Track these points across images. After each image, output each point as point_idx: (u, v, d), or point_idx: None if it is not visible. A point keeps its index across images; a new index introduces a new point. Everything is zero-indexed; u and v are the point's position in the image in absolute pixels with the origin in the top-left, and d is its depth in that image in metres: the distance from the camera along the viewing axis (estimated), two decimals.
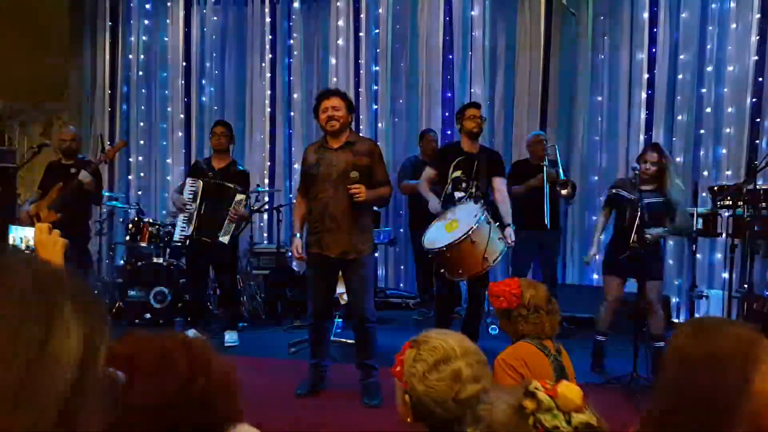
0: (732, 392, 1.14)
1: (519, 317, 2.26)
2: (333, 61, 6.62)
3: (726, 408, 1.13)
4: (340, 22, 6.59)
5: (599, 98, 6.02)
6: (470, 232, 3.72)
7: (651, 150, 4.24)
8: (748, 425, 1.13)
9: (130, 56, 7.13)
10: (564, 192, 4.98)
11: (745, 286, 4.59)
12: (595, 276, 5.92)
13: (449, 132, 6.29)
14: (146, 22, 7.10)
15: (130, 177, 7.14)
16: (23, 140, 8.27)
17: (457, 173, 4.28)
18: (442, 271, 3.96)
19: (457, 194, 4.24)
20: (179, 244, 4.90)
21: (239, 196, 4.67)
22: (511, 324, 2.29)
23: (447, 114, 6.37)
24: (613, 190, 4.37)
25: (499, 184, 4.36)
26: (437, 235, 3.94)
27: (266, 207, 6.26)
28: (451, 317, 4.39)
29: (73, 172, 4.94)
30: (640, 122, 5.92)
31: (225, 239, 4.66)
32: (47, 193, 4.96)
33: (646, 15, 5.86)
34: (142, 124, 7.13)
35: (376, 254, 5.97)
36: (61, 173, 5.01)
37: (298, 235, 3.81)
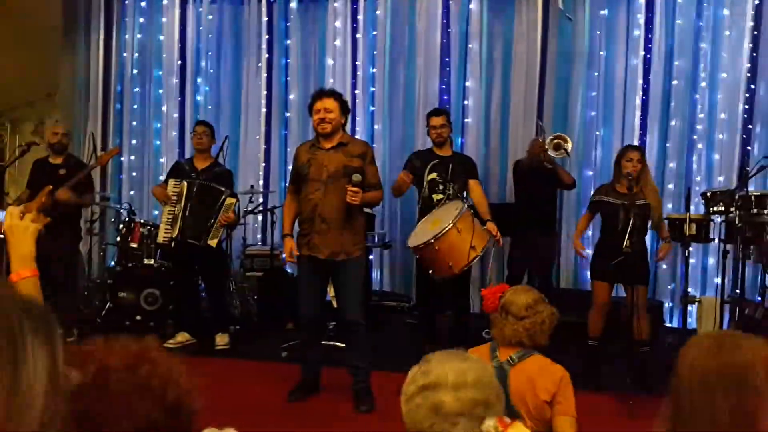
0: (760, 407, 1.13)
1: (496, 320, 2.30)
2: (330, 62, 6.60)
3: (753, 423, 1.12)
4: (338, 23, 6.57)
5: (594, 99, 6.02)
6: (456, 220, 3.79)
7: (634, 150, 4.32)
8: None
9: (125, 54, 7.08)
10: (556, 153, 4.82)
11: (737, 291, 4.61)
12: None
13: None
14: (141, 20, 7.05)
15: (122, 176, 7.09)
16: (14, 139, 8.21)
17: (433, 175, 4.39)
18: (431, 272, 3.96)
19: (435, 196, 4.34)
20: (166, 244, 4.85)
21: (230, 200, 4.62)
22: (494, 326, 2.33)
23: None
24: (596, 197, 4.41)
25: (476, 185, 4.50)
26: (422, 233, 4.00)
27: (260, 208, 6.22)
28: (435, 329, 4.43)
29: (62, 173, 4.87)
30: (634, 127, 5.93)
31: (213, 243, 4.61)
32: (35, 192, 4.88)
33: (642, 21, 5.88)
34: (135, 123, 7.08)
35: (371, 257, 5.99)
36: (49, 173, 4.93)
37: (289, 235, 3.78)
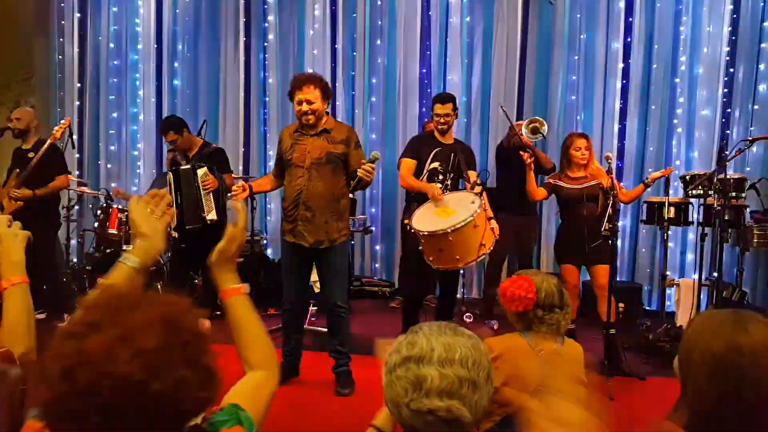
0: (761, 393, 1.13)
1: (535, 318, 2.17)
2: (309, 45, 6.53)
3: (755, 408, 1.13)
4: (317, 6, 6.49)
5: (575, 84, 6.02)
6: (476, 215, 3.65)
7: (581, 137, 4.37)
8: None
9: (100, 38, 6.95)
10: (533, 137, 4.81)
11: (715, 274, 4.66)
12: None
13: (427, 120, 6.26)
14: (115, 5, 6.92)
15: (99, 162, 6.99)
16: None
17: (435, 164, 4.22)
18: (430, 259, 3.85)
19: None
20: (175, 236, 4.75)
21: (201, 170, 4.54)
22: (524, 323, 2.21)
23: (424, 101, 6.34)
24: (552, 180, 4.45)
25: (473, 175, 4.30)
26: (432, 220, 3.82)
27: None
28: (418, 315, 4.37)
29: (30, 156, 4.77)
30: (614, 111, 5.96)
31: (212, 215, 4.53)
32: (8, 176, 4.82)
33: (622, 4, 5.88)
34: (111, 107, 6.97)
35: (352, 242, 5.98)
36: (20, 158, 4.84)
37: (250, 185, 3.76)
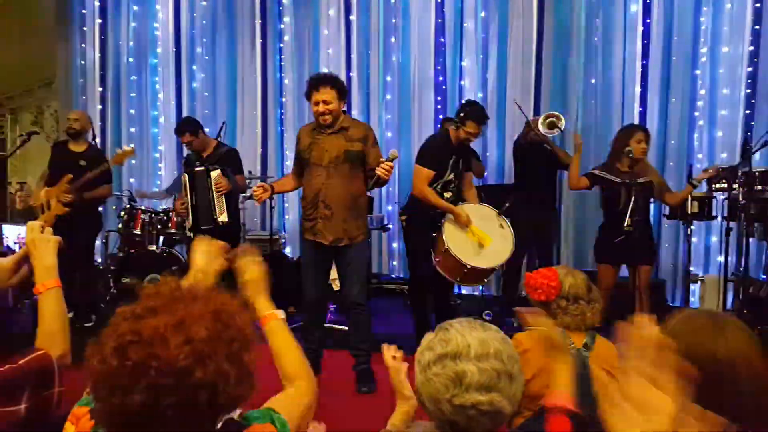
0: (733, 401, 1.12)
1: (558, 309, 2.15)
2: (324, 45, 6.55)
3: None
4: (332, 7, 6.51)
5: (592, 80, 5.96)
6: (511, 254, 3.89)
7: (642, 129, 4.23)
8: None
9: (120, 42, 7.05)
10: (550, 132, 4.77)
11: (741, 269, 4.58)
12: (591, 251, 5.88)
13: (441, 116, 6.24)
14: (135, 8, 7.01)
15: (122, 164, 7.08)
16: (14, 128, 8.20)
17: (450, 177, 4.14)
18: (458, 279, 3.96)
19: (446, 194, 4.13)
20: (188, 235, 4.85)
21: (214, 173, 4.59)
22: (548, 315, 2.15)
23: (439, 98, 6.32)
24: (595, 170, 4.32)
25: (471, 179, 4.36)
26: (469, 248, 3.93)
27: None
28: (426, 300, 4.35)
29: (82, 164, 4.88)
30: (634, 104, 5.87)
31: (224, 217, 4.58)
32: (54, 176, 4.92)
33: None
34: (132, 111, 7.07)
35: (369, 240, 5.97)
36: (69, 160, 4.94)
37: (272, 185, 3.82)
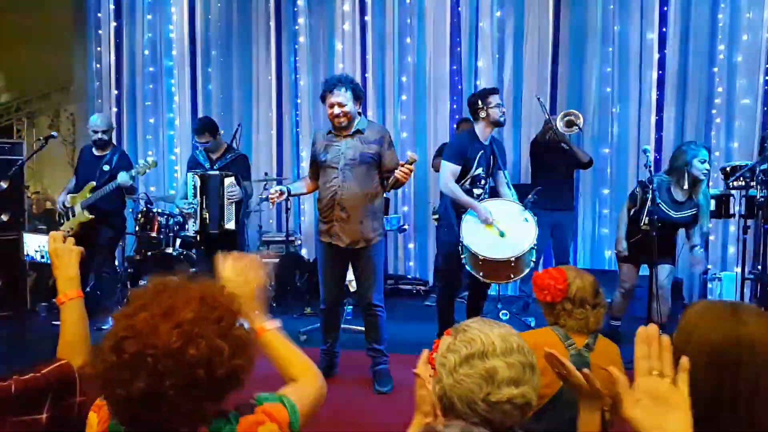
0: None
1: (563, 311, 2.14)
2: (339, 46, 6.57)
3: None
4: (346, 7, 6.53)
5: (609, 75, 5.91)
6: (536, 241, 3.76)
7: (704, 148, 4.09)
8: None
9: (135, 46, 7.11)
10: (568, 130, 4.71)
11: (759, 267, 4.54)
12: (608, 252, 5.85)
13: (457, 117, 6.24)
14: (150, 13, 7.07)
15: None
16: (31, 132, 8.30)
17: (479, 171, 4.03)
18: (482, 274, 3.85)
19: (476, 191, 4.04)
20: (193, 237, 4.91)
21: (228, 180, 4.63)
22: (553, 316, 2.18)
23: (455, 98, 6.32)
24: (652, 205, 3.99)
25: (503, 178, 4.18)
26: (488, 242, 3.84)
27: None
28: (453, 303, 4.33)
29: (105, 169, 4.94)
30: (651, 103, 5.82)
31: (231, 225, 4.63)
32: (79, 182, 4.99)
33: None
34: (148, 114, 7.13)
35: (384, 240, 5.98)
36: (93, 165, 5.00)
37: (288, 188, 3.79)
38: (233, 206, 4.63)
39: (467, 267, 3.91)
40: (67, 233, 1.73)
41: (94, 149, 5.09)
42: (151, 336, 1.03)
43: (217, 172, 4.63)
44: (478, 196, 4.01)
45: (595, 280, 2.23)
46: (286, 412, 1.24)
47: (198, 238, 4.77)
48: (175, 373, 1.02)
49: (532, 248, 3.78)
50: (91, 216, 4.85)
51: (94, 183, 4.91)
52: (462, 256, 3.89)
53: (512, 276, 3.80)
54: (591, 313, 2.14)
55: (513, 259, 3.69)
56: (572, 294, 2.13)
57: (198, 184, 4.62)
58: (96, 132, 5.01)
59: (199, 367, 1.04)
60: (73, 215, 4.96)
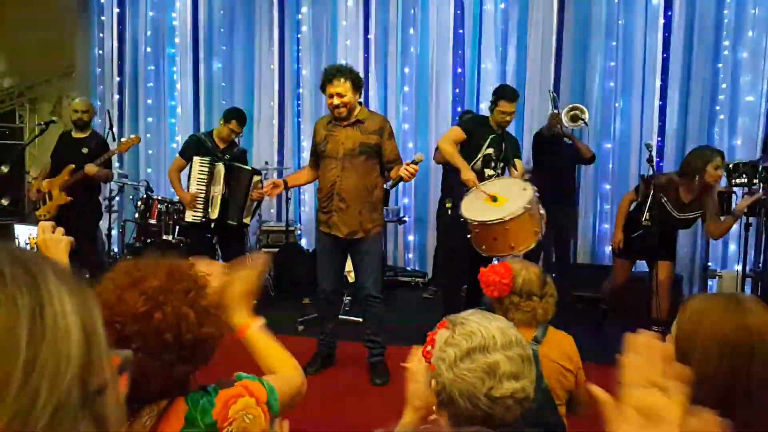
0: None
1: (511, 305, 2.12)
2: (342, 36, 6.54)
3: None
4: None
5: (613, 70, 5.88)
6: (532, 204, 3.56)
7: (720, 153, 3.97)
8: None
9: (138, 32, 7.08)
10: (573, 125, 4.70)
11: (760, 265, 4.54)
12: (608, 248, 5.83)
13: (459, 108, 6.21)
14: (152, 0, 7.03)
15: (139, 154, 7.13)
16: (33, 118, 8.28)
17: (490, 150, 4.09)
18: (483, 248, 3.71)
19: (487, 171, 4.07)
20: (198, 221, 4.77)
21: (256, 178, 4.68)
22: (502, 311, 2.13)
23: (457, 90, 6.29)
24: (662, 196, 4.03)
25: (519, 164, 4.21)
26: (484, 209, 3.70)
27: None
28: (460, 293, 4.32)
29: (84, 152, 4.91)
30: (654, 98, 5.80)
31: (248, 220, 4.73)
32: (57, 166, 4.95)
33: None
34: (150, 101, 7.10)
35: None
36: (71, 149, 4.97)
37: (285, 180, 3.83)
38: (254, 203, 4.73)
39: (472, 244, 3.81)
40: (44, 217, 1.72)
41: (73, 131, 5.06)
42: (118, 306, 1.08)
43: (249, 168, 4.70)
44: (490, 177, 4.02)
45: (542, 270, 2.22)
46: (264, 390, 1.26)
47: (211, 225, 4.67)
48: (142, 336, 1.07)
49: (527, 208, 3.53)
50: (69, 198, 4.80)
51: (73, 166, 4.85)
52: (468, 237, 3.80)
53: (513, 246, 3.59)
54: (539, 304, 2.13)
55: (507, 219, 3.51)
56: (518, 287, 2.12)
57: (221, 172, 4.57)
58: (76, 111, 4.99)
59: (166, 331, 1.08)
60: (50, 199, 4.92)
